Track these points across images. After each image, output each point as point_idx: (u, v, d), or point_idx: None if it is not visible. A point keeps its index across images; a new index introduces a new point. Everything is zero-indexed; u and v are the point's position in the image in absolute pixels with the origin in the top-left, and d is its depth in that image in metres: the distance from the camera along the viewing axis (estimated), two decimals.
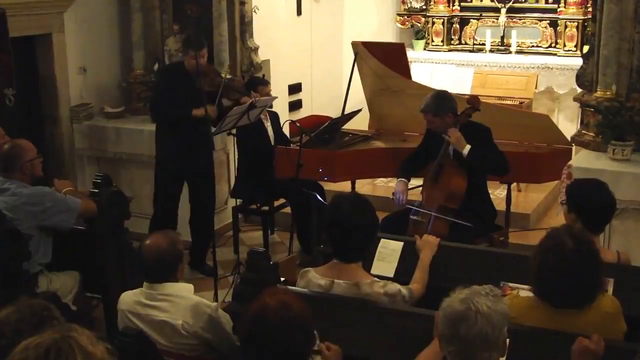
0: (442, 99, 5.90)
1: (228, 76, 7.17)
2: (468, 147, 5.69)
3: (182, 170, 6.89)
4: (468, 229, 5.56)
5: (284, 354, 2.88)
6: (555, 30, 10.21)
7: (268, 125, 7.36)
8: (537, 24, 10.35)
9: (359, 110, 7.58)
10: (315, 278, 3.97)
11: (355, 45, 7.33)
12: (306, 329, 2.93)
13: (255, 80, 7.42)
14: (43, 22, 7.33)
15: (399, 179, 6.20)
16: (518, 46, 10.30)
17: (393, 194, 6.17)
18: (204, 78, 6.57)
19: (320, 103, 10.35)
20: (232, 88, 6.94)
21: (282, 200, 7.50)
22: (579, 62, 7.72)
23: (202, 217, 7.05)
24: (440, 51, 10.72)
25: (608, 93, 6.30)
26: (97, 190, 5.46)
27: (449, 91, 6.23)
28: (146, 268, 3.94)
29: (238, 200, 7.49)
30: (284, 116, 7.99)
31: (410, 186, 6.24)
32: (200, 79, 6.45)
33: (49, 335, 2.32)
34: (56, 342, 2.29)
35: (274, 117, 7.49)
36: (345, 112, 7.31)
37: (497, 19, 10.46)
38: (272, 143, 7.32)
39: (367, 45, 7.38)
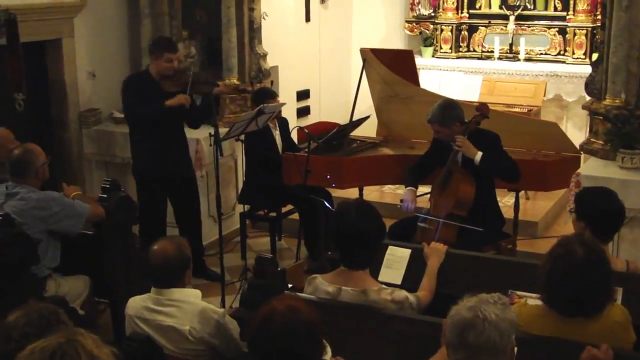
0: (448, 108, 5.88)
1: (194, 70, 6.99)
2: (480, 153, 5.68)
3: (160, 177, 6.80)
4: (478, 234, 5.55)
5: (289, 358, 2.87)
6: (564, 38, 10.19)
7: (276, 133, 7.37)
8: (546, 31, 10.33)
9: (367, 117, 7.58)
10: (322, 285, 3.96)
11: (363, 51, 7.33)
12: (314, 336, 2.90)
13: (264, 92, 7.41)
14: (53, 27, 7.36)
15: (407, 188, 6.18)
16: (527, 54, 10.28)
17: (401, 201, 6.16)
18: (168, 80, 6.58)
19: (328, 109, 10.36)
20: (201, 82, 6.71)
21: (289, 207, 7.50)
22: (587, 70, 7.71)
23: (190, 223, 7.03)
24: (448, 58, 10.71)
25: (617, 101, 6.29)
26: (105, 195, 5.47)
27: (457, 99, 6.23)
28: (153, 273, 3.95)
29: (245, 206, 7.49)
30: (292, 122, 7.99)
31: (418, 193, 6.23)
32: (163, 82, 6.53)
33: (54, 339, 2.32)
34: (61, 345, 2.30)
35: (283, 124, 7.49)
36: (354, 119, 7.31)
37: (506, 26, 10.44)
38: (280, 150, 7.32)
39: (376, 52, 7.38)
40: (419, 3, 10.98)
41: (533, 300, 3.75)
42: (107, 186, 5.53)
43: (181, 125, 6.82)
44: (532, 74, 9.99)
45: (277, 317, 2.87)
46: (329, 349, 3.16)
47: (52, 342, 2.32)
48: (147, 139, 6.71)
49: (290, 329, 2.84)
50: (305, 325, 2.87)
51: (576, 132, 9.55)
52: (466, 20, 10.80)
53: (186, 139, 6.94)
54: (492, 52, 10.48)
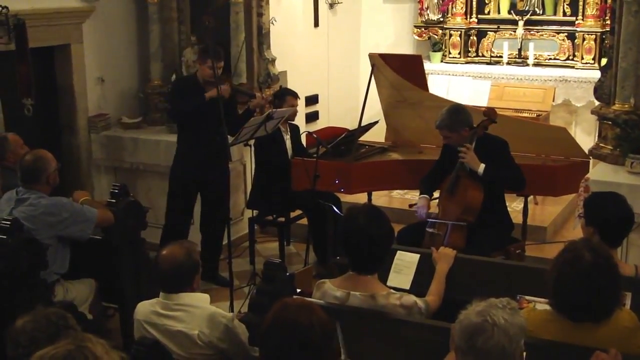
0: (456, 113, 5.87)
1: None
2: (482, 166, 5.67)
3: (196, 181, 6.89)
4: (487, 239, 5.55)
5: (302, 351, 2.81)
6: (573, 43, 10.18)
7: (287, 138, 7.38)
8: (554, 36, 10.32)
9: (376, 122, 7.58)
10: (331, 289, 3.96)
11: (372, 57, 7.33)
12: (328, 330, 2.86)
13: (286, 91, 7.49)
14: (62, 32, 7.39)
15: (420, 195, 6.17)
16: (535, 59, 10.27)
17: (411, 206, 6.15)
18: (211, 86, 6.59)
19: (336, 115, 10.36)
20: (240, 91, 6.96)
21: (298, 212, 7.50)
22: (596, 75, 7.70)
23: (214, 230, 7.07)
24: (457, 63, 10.71)
25: (626, 106, 6.29)
26: (114, 201, 5.48)
27: (465, 104, 6.22)
28: (162, 278, 3.95)
29: (254, 211, 7.50)
30: (301, 127, 7.99)
31: None
32: (207, 88, 6.59)
33: (63, 346, 2.32)
34: (70, 352, 2.29)
35: (294, 130, 7.50)
36: (362, 124, 7.31)
37: (515, 32, 10.43)
38: (290, 156, 7.32)
39: (385, 57, 7.38)
40: (427, 8, 10.98)
41: (542, 305, 3.74)
42: (116, 191, 5.55)
43: (222, 130, 6.80)
44: (541, 79, 9.97)
45: (291, 311, 2.85)
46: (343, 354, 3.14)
47: (60, 349, 2.31)
48: (189, 142, 6.83)
49: (304, 323, 2.81)
50: (319, 320, 2.84)
51: (585, 137, 9.52)
52: (475, 26, 10.80)
53: (229, 148, 6.93)
54: (500, 57, 10.47)
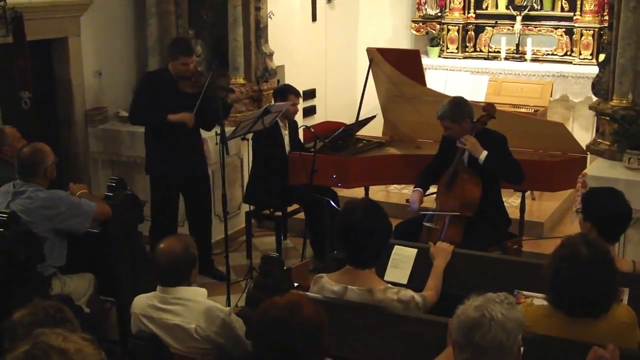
0: (459, 105, 5.89)
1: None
2: (485, 152, 5.68)
3: (174, 177, 6.85)
4: (484, 234, 5.56)
5: (283, 352, 2.84)
6: (571, 39, 10.18)
7: (285, 134, 7.37)
8: (552, 32, 10.32)
9: (374, 117, 7.59)
10: (328, 284, 3.96)
11: (370, 51, 7.33)
12: (310, 331, 2.86)
13: (288, 88, 7.41)
14: (60, 26, 7.37)
15: (414, 188, 6.18)
16: (533, 54, 10.28)
17: (408, 201, 6.16)
18: (186, 81, 6.63)
19: (334, 109, 10.36)
20: (217, 87, 6.80)
21: (295, 206, 7.50)
22: (594, 70, 7.70)
23: (201, 225, 7.08)
24: (455, 58, 10.71)
25: (624, 101, 6.29)
26: (111, 194, 5.47)
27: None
28: (160, 272, 3.95)
29: (251, 205, 7.50)
30: (298, 122, 7.98)
31: (426, 194, 6.23)
32: (180, 82, 6.59)
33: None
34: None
35: (293, 126, 7.49)
36: (360, 119, 7.31)
37: (513, 27, 10.43)
38: (287, 152, 7.31)
39: (382, 51, 7.38)
40: (425, 3, 10.98)
41: (539, 300, 3.75)
42: (114, 185, 5.53)
43: (195, 129, 6.81)
44: (538, 75, 9.99)
45: (273, 311, 2.87)
46: None
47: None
48: (160, 138, 6.77)
49: (283, 324, 2.83)
50: (300, 321, 2.85)
51: (582, 132, 9.54)
52: (473, 21, 10.80)
53: (201, 138, 6.99)
54: (498, 52, 10.48)
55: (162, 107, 6.61)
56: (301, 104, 9.48)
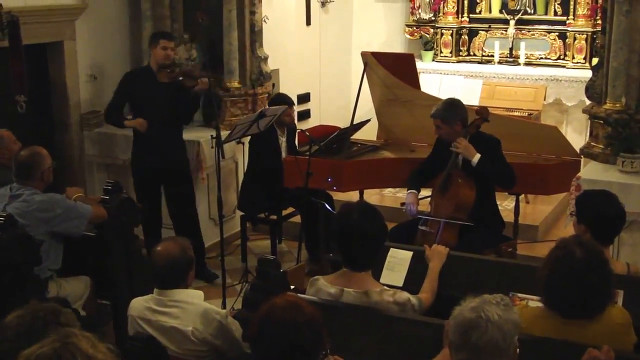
0: (453, 107, 5.91)
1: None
2: (478, 155, 5.70)
3: (154, 172, 6.93)
4: (479, 237, 5.58)
5: (292, 351, 2.86)
6: (564, 42, 10.21)
7: (283, 141, 7.39)
8: (545, 35, 10.35)
9: (368, 121, 7.60)
10: (324, 286, 3.98)
11: (364, 55, 7.34)
12: (315, 329, 2.90)
13: (282, 98, 7.43)
14: (55, 29, 7.38)
15: (409, 191, 6.20)
16: (527, 58, 10.29)
17: (403, 204, 6.18)
18: (163, 71, 6.77)
19: (328, 113, 10.38)
20: (189, 75, 6.89)
21: (290, 209, 7.51)
22: (587, 74, 7.73)
23: (186, 223, 7.08)
24: (448, 62, 10.72)
25: (617, 105, 6.33)
26: (107, 197, 5.48)
27: None
28: (157, 274, 3.96)
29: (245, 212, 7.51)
30: None
31: (419, 196, 6.24)
32: (159, 74, 6.76)
33: (49, 344, 2.30)
34: (56, 350, 2.27)
35: (291, 132, 7.51)
36: (354, 122, 7.32)
37: (506, 31, 10.44)
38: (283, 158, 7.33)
39: (377, 55, 7.40)
40: (419, 7, 10.98)
41: (534, 302, 3.77)
42: (109, 188, 5.55)
43: (172, 122, 6.92)
44: (532, 78, 10.00)
45: (278, 312, 2.89)
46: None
47: (46, 348, 2.29)
48: (141, 134, 6.89)
49: (291, 324, 2.85)
50: (306, 319, 2.88)
51: (576, 136, 9.56)
52: (466, 25, 10.81)
53: (180, 136, 7.08)
54: (492, 56, 10.49)
55: (140, 99, 6.85)
56: (295, 108, 9.52)
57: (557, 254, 3.48)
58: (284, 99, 7.36)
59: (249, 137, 6.96)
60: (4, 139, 5.83)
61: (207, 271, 7.12)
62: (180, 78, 6.73)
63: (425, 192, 6.42)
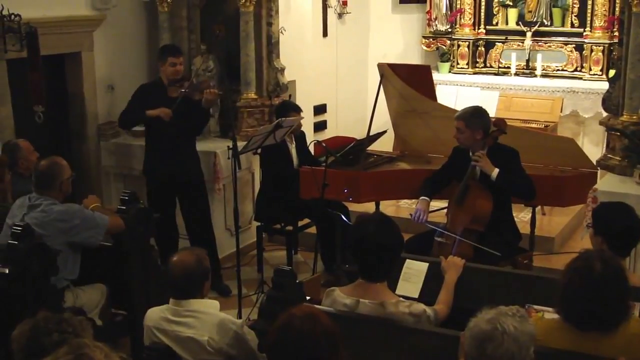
0: (480, 113, 5.92)
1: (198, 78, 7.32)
2: (496, 170, 5.70)
3: (168, 182, 6.94)
4: (495, 248, 5.56)
5: None
6: (581, 54, 10.20)
7: (292, 148, 7.40)
8: (562, 47, 10.34)
9: (384, 132, 7.60)
10: (340, 297, 3.98)
11: (381, 66, 7.35)
12: (333, 340, 2.89)
13: (288, 105, 7.44)
14: (73, 40, 7.44)
15: (421, 197, 6.20)
16: (543, 70, 10.29)
17: (412, 212, 6.17)
18: (174, 86, 6.79)
19: (345, 124, 10.39)
20: (196, 89, 6.87)
21: (306, 220, 7.52)
22: (604, 86, 7.71)
23: (201, 234, 7.08)
24: (465, 74, 10.73)
25: (634, 117, 6.31)
26: (124, 207, 5.50)
27: None
28: (173, 284, 3.98)
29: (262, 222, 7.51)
30: (309, 137, 8.01)
31: (434, 208, 6.23)
32: (169, 88, 6.77)
33: (62, 356, 2.30)
34: None
35: (301, 137, 7.52)
36: (371, 134, 7.33)
37: (523, 43, 10.45)
38: (295, 166, 7.33)
39: (393, 66, 7.40)
40: (436, 19, 11.01)
41: (550, 314, 3.75)
42: (126, 198, 5.57)
43: (183, 134, 6.91)
44: (548, 90, 9.99)
45: (296, 322, 2.88)
46: None
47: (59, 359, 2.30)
48: (153, 144, 6.94)
49: (309, 334, 2.85)
50: (323, 330, 2.87)
51: (593, 148, 9.54)
52: (483, 36, 10.83)
53: (193, 148, 7.07)
54: (508, 68, 10.50)
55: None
56: (312, 119, 9.56)
57: (577, 264, 3.46)
58: (289, 106, 7.38)
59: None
60: (22, 149, 5.88)
61: (222, 285, 7.12)
62: (182, 90, 6.71)
63: (441, 204, 6.40)
